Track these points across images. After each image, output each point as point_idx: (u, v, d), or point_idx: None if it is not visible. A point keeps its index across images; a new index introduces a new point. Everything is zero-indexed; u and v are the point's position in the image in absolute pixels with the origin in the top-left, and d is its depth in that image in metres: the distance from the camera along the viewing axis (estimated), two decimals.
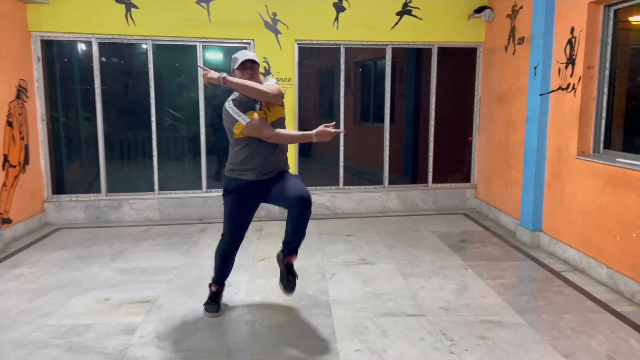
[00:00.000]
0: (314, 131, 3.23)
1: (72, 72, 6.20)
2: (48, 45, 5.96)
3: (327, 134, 3.21)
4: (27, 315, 3.55)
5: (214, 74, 3.27)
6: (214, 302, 3.61)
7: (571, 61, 4.58)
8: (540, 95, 4.97)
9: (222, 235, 3.50)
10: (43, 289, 4.03)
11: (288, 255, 3.39)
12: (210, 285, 3.68)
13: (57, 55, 6.06)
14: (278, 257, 3.46)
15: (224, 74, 3.22)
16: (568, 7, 4.63)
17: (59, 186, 6.20)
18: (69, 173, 6.32)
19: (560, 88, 4.77)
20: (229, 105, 3.29)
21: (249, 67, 3.28)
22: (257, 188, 3.33)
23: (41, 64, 5.86)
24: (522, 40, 5.50)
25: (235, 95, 3.36)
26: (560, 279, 4.25)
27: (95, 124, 6.06)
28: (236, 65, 3.31)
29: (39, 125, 5.91)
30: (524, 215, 5.27)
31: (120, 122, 6.33)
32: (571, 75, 4.57)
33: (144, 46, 6.06)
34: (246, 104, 3.29)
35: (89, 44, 5.94)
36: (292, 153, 6.34)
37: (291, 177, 3.38)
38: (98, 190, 6.18)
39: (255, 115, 3.23)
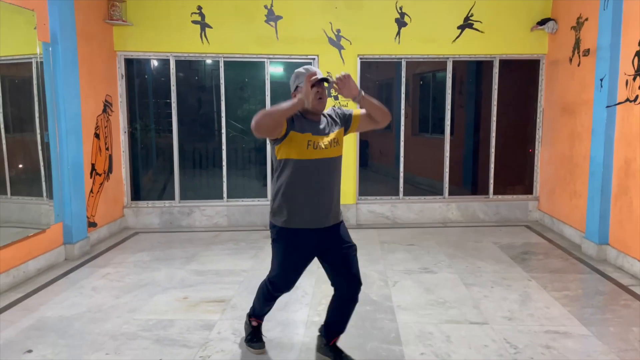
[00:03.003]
0: (298, 96, 2.66)
1: (151, 87, 6.71)
2: (130, 63, 6.48)
3: (307, 93, 2.60)
4: (117, 310, 3.92)
5: (355, 86, 2.69)
6: (259, 339, 3.30)
7: (639, 73, 4.53)
8: (607, 107, 4.93)
9: None
10: (128, 287, 4.41)
11: (335, 337, 3.10)
12: (250, 319, 3.34)
13: (137, 72, 6.59)
14: (319, 347, 3.18)
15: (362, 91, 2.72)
16: (635, 19, 4.59)
17: (137, 193, 6.70)
18: (146, 181, 6.81)
19: (627, 100, 4.72)
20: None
21: (319, 85, 2.74)
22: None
23: (124, 81, 6.38)
24: (587, 52, 5.46)
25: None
26: (627, 293, 4.20)
27: (170, 135, 6.52)
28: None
29: (121, 136, 6.43)
30: (590, 228, 5.21)
31: (193, 134, 6.76)
32: (639, 87, 4.53)
33: (215, 63, 6.46)
34: (301, 122, 2.76)
35: (166, 61, 6.41)
36: (351, 162, 6.54)
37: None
38: (172, 197, 6.62)
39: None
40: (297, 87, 2.79)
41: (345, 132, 2.94)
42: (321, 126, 2.81)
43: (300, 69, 2.81)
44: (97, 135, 5.82)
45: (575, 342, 3.33)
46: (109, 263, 5.10)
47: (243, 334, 3.46)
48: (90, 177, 5.69)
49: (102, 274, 4.75)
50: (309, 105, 2.64)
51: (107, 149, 6.06)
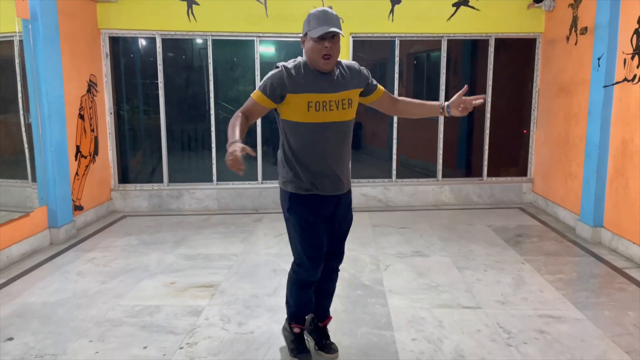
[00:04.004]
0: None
1: (137, 67, 6.52)
2: (115, 42, 6.28)
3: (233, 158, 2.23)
4: (103, 295, 3.82)
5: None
6: (303, 348, 2.84)
7: (638, 52, 4.41)
8: (604, 87, 4.82)
9: None
10: (115, 272, 4.31)
11: (327, 318, 3.01)
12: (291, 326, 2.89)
13: (123, 52, 6.39)
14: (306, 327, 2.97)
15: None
16: None
17: (125, 176, 6.56)
18: (134, 163, 6.66)
19: (625, 80, 4.61)
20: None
21: (329, 39, 2.31)
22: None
23: (109, 60, 6.19)
24: (585, 30, 5.33)
25: (299, 60, 2.46)
26: (622, 276, 4.14)
27: (158, 116, 6.35)
28: (314, 34, 2.29)
29: (107, 117, 6.26)
30: (585, 210, 5.14)
31: (181, 115, 6.60)
32: (638, 67, 4.41)
33: (203, 42, 6.28)
34: (300, 79, 2.38)
35: (153, 40, 6.22)
36: None
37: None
38: (160, 180, 6.48)
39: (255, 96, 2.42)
40: (306, 34, 2.36)
41: (362, 96, 2.60)
42: (330, 80, 2.41)
43: (315, 11, 2.35)
44: (81, 117, 5.65)
45: (570, 326, 3.28)
46: (95, 247, 4.99)
47: (231, 320, 3.39)
48: (75, 160, 5.54)
49: (88, 259, 4.65)
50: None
51: (92, 130, 5.90)
